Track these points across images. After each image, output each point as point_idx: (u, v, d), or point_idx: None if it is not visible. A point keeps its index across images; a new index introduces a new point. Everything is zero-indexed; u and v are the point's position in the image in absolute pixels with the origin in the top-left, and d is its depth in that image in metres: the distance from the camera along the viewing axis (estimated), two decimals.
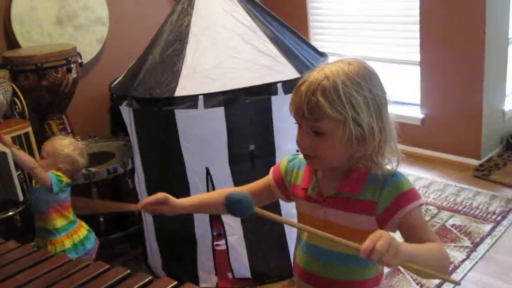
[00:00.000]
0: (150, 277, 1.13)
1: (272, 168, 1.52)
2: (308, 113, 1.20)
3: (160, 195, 1.49)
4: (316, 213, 1.36)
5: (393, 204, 1.24)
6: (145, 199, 1.52)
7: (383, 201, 1.25)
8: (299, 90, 1.24)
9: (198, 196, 1.63)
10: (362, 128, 1.20)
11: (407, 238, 1.24)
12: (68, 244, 2.48)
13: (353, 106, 1.19)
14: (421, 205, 1.27)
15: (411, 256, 1.08)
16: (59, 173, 2.46)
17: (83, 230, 2.59)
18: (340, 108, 1.18)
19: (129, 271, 1.18)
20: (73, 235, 2.52)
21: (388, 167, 1.28)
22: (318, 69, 1.25)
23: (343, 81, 1.20)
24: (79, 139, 3.48)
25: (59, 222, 2.48)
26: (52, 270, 1.26)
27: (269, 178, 1.51)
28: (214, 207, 1.57)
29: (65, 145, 2.54)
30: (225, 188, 1.59)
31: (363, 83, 1.21)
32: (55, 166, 2.47)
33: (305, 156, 1.30)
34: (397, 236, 1.16)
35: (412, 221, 1.23)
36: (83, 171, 3.12)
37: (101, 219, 3.17)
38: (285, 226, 2.73)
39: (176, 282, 1.11)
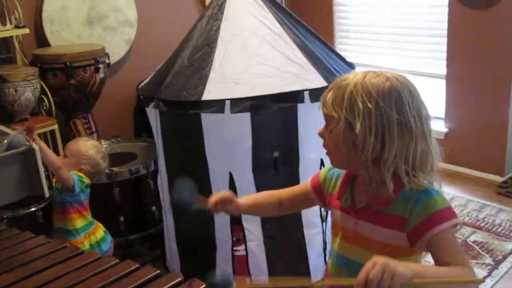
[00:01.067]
0: (180, 278, 1.13)
1: (311, 177, 1.54)
2: (322, 104, 1.28)
3: (228, 193, 1.49)
4: (348, 224, 1.36)
5: (424, 222, 1.22)
6: (213, 197, 1.48)
7: (415, 218, 1.23)
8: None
9: (252, 197, 1.65)
10: (354, 134, 1.20)
11: (436, 259, 1.22)
12: (86, 245, 2.50)
13: (352, 111, 1.20)
14: (455, 225, 1.23)
15: (415, 272, 1.07)
16: (81, 174, 2.48)
17: (100, 231, 2.62)
18: (337, 108, 1.22)
19: (158, 271, 1.19)
20: (91, 235, 2.55)
21: (425, 182, 1.26)
22: (359, 72, 1.29)
23: (355, 87, 1.22)
24: (102, 141, 3.52)
25: (79, 223, 2.51)
26: (82, 267, 1.27)
27: (306, 184, 1.53)
28: (262, 210, 1.64)
29: (89, 147, 2.57)
30: (272, 190, 1.60)
31: (376, 97, 1.20)
32: (78, 166, 2.51)
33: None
34: None
35: (443, 242, 1.20)
36: (106, 170, 3.15)
37: (121, 219, 3.19)
38: (305, 234, 2.73)
39: (205, 284, 1.12)
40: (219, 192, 1.51)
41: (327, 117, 1.27)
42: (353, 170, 1.33)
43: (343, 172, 1.40)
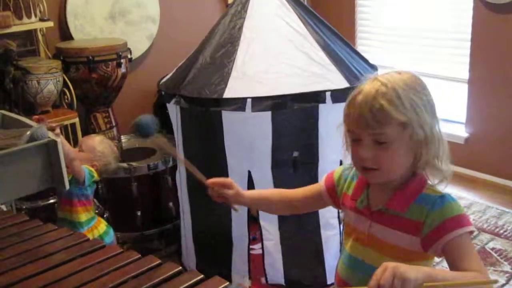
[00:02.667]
0: (202, 276, 1.13)
1: (324, 176, 1.53)
2: (373, 119, 1.18)
3: (227, 179, 1.52)
4: (362, 225, 1.35)
5: (439, 228, 1.21)
6: (214, 179, 1.52)
7: (430, 223, 1.23)
8: (355, 101, 1.22)
9: (259, 191, 1.66)
10: (424, 130, 1.20)
11: (451, 265, 1.21)
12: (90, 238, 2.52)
13: (414, 107, 1.19)
14: (471, 232, 1.22)
15: (426, 275, 1.06)
16: (91, 169, 2.52)
17: (102, 225, 2.66)
18: (403, 110, 1.18)
19: (180, 267, 1.19)
20: (93, 230, 2.59)
21: (441, 186, 1.27)
22: (369, 81, 1.25)
23: (400, 85, 1.20)
24: (121, 136, 3.54)
25: (84, 216, 2.54)
26: (104, 261, 1.28)
27: (320, 184, 1.52)
28: (269, 206, 1.63)
29: (105, 146, 2.63)
30: (285, 188, 1.61)
31: (418, 87, 1.23)
32: (91, 162, 2.55)
33: (364, 170, 1.26)
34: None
35: (458, 248, 1.19)
36: (125, 165, 3.18)
37: (138, 213, 3.20)
38: (322, 235, 2.72)
39: (228, 283, 1.12)
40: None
41: (383, 129, 1.18)
42: (407, 174, 1.28)
43: (357, 173, 1.38)
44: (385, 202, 1.30)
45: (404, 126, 1.18)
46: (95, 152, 2.57)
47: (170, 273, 1.17)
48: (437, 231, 1.21)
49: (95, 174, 2.53)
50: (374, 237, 1.32)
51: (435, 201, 1.24)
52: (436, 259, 1.37)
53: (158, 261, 1.23)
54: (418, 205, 1.25)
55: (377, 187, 1.34)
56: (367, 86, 1.22)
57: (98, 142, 2.62)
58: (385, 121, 1.17)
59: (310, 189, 1.55)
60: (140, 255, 1.27)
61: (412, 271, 1.04)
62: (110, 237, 2.66)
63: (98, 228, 2.60)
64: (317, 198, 1.52)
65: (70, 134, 3.19)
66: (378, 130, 1.19)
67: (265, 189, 1.83)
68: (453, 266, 1.20)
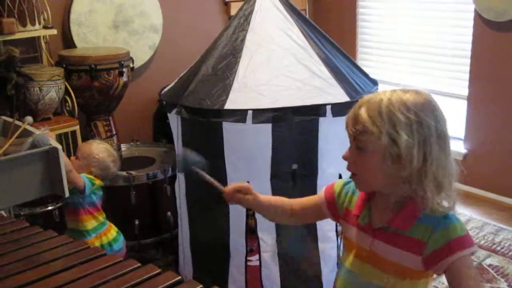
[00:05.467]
0: (201, 286, 1.14)
1: (324, 188, 1.54)
2: (352, 125, 1.24)
3: (245, 184, 1.53)
4: (364, 242, 1.36)
5: (443, 249, 1.22)
6: (231, 185, 1.55)
7: (433, 243, 1.23)
8: (354, 105, 1.28)
9: (269, 196, 1.66)
10: (398, 147, 1.18)
11: (452, 285, 1.23)
12: (97, 245, 2.51)
13: (392, 123, 1.19)
14: (472, 253, 1.24)
15: None
16: (91, 176, 2.52)
17: (112, 231, 2.65)
18: (378, 122, 1.19)
19: (179, 277, 1.19)
20: (102, 236, 2.58)
21: (445, 204, 1.25)
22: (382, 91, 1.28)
23: (390, 101, 1.21)
24: (121, 145, 3.54)
25: (90, 224, 2.54)
26: (103, 269, 1.28)
27: (320, 196, 1.52)
28: (274, 215, 1.62)
29: (100, 150, 2.62)
30: (294, 198, 1.61)
31: (414, 109, 1.20)
32: (88, 169, 2.55)
33: (351, 175, 1.32)
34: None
35: (460, 269, 1.21)
36: (124, 173, 3.18)
37: (136, 222, 3.20)
38: (320, 247, 2.72)
39: None
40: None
41: (360, 136, 1.23)
42: (386, 189, 1.29)
43: None
44: (387, 220, 1.30)
45: (377, 137, 1.19)
46: (91, 158, 2.56)
47: (169, 282, 1.17)
48: (441, 252, 1.22)
49: (96, 180, 2.52)
50: (376, 254, 1.32)
51: (439, 221, 1.24)
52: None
53: (158, 270, 1.23)
54: (421, 224, 1.25)
55: (379, 204, 1.34)
56: (375, 93, 1.27)
57: (94, 148, 2.61)
58: (361, 129, 1.21)
59: (309, 200, 1.56)
60: (140, 264, 1.28)
61: None
62: (119, 244, 2.65)
63: (108, 234, 2.61)
64: (316, 209, 1.52)
65: (70, 141, 3.19)
66: (356, 136, 1.23)
67: (270, 196, 1.84)
68: (454, 286, 1.22)
